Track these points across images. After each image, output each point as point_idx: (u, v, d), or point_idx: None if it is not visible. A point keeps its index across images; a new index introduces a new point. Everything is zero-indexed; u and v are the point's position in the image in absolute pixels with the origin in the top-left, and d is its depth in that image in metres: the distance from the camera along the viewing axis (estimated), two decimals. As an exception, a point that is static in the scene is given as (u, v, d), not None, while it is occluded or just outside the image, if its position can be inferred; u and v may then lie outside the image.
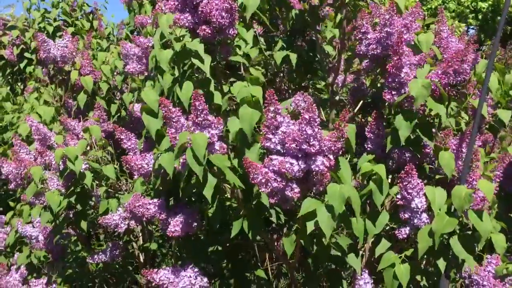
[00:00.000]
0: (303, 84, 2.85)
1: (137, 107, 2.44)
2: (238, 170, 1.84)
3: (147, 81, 2.45)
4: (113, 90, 2.97)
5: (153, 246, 2.83)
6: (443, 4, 11.49)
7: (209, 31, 1.78)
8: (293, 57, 2.30)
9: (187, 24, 1.80)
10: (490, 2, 11.28)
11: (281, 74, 2.84)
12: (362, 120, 2.54)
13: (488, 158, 2.19)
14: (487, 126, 2.23)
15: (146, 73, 2.57)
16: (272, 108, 1.60)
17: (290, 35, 2.54)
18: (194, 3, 1.78)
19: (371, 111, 2.51)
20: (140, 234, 2.97)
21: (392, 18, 1.88)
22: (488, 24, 11.44)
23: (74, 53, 2.89)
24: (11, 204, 3.28)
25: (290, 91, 2.86)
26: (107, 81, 2.89)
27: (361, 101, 2.33)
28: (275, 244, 2.36)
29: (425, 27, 2.21)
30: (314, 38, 2.54)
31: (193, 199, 2.13)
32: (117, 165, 2.52)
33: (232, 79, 2.16)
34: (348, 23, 2.25)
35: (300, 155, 1.62)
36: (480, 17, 11.48)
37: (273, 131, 1.63)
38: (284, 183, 1.62)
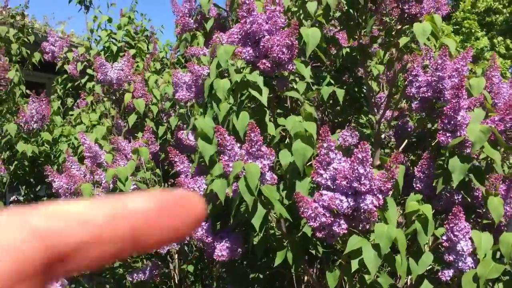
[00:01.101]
0: (348, 118, 2.88)
1: (190, 133, 2.52)
2: (286, 202, 1.89)
3: (195, 107, 2.54)
4: (161, 113, 3.08)
5: (190, 268, 2.87)
6: (492, 47, 11.39)
7: (269, 65, 1.85)
8: (340, 93, 2.35)
9: (248, 58, 1.88)
10: None
11: (325, 108, 2.89)
12: (406, 159, 2.56)
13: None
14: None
15: (193, 100, 2.66)
16: (325, 145, 1.65)
17: (338, 71, 2.60)
18: (256, 38, 1.86)
19: (414, 150, 2.54)
20: (176, 255, 3.03)
21: (444, 62, 1.91)
22: None
23: (129, 76, 3.01)
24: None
25: (332, 124, 2.90)
26: (157, 104, 3.00)
27: (406, 140, 2.35)
28: (313, 275, 2.38)
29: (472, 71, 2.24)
30: (360, 74, 2.59)
31: (238, 225, 2.18)
32: (162, 187, 2.60)
33: (278, 111, 2.22)
34: (398, 62, 2.30)
35: (350, 193, 1.65)
36: None
37: (325, 167, 1.68)
38: (332, 219, 1.65)
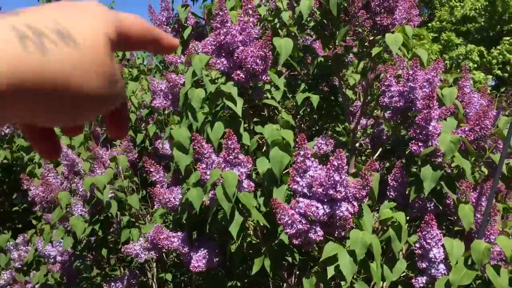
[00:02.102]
0: (324, 127, 2.92)
1: (166, 143, 2.52)
2: (263, 209, 1.90)
3: (172, 116, 2.54)
4: (139, 120, 3.07)
5: (168, 276, 2.87)
6: (466, 54, 11.61)
7: (243, 76, 1.87)
8: (315, 98, 2.37)
9: (222, 68, 1.90)
10: None
11: (302, 116, 2.92)
12: (380, 166, 2.61)
13: (502, 206, 2.23)
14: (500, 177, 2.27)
15: (171, 108, 2.66)
16: (302, 153, 1.67)
17: (314, 79, 2.64)
18: (230, 49, 1.88)
19: (390, 158, 2.58)
20: (155, 264, 3.02)
21: (416, 73, 1.96)
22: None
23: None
24: (34, 222, 3.34)
25: (309, 132, 2.93)
26: (135, 112, 2.99)
27: (380, 148, 2.40)
28: (291, 283, 2.40)
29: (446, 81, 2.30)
30: (336, 83, 2.63)
31: (214, 234, 2.18)
32: (140, 194, 2.60)
33: (255, 119, 2.24)
34: (371, 72, 2.34)
35: (325, 200, 1.68)
36: (508, 68, 11.55)
37: (301, 174, 1.70)
38: (308, 226, 1.68)
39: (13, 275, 3.04)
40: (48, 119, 0.26)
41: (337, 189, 1.64)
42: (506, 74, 11.61)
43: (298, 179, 1.70)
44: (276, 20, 2.31)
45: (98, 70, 0.27)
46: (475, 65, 11.40)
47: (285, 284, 2.53)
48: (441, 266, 1.86)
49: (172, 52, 0.43)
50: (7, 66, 0.23)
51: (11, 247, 3.10)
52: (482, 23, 12.51)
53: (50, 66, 0.24)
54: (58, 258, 2.77)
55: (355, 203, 1.70)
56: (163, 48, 0.36)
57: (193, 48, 2.30)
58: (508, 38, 11.76)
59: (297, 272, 2.58)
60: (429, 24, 12.70)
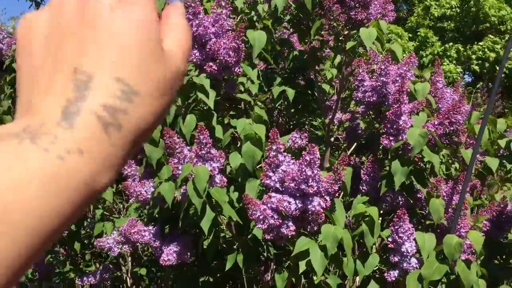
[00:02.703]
0: (300, 121, 2.92)
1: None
2: (236, 204, 1.89)
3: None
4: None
5: (142, 271, 2.84)
6: (444, 52, 11.74)
7: (216, 68, 1.85)
8: (290, 92, 2.36)
9: (195, 60, 1.87)
10: (497, 55, 11.52)
11: (279, 110, 2.91)
12: (356, 160, 2.61)
13: (475, 203, 2.26)
14: (475, 173, 2.30)
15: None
16: (274, 147, 1.66)
17: (290, 73, 2.63)
18: (203, 40, 1.85)
19: (365, 152, 2.59)
20: (130, 258, 2.98)
21: (388, 68, 1.96)
22: (492, 74, 11.69)
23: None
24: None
25: (287, 127, 2.93)
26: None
27: (356, 142, 2.40)
28: (264, 278, 2.39)
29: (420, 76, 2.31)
30: (313, 77, 2.63)
31: (187, 229, 2.16)
32: (114, 188, 2.56)
33: (231, 112, 2.22)
34: (347, 66, 2.34)
35: (298, 195, 1.67)
36: (486, 65, 11.71)
37: (274, 169, 1.69)
38: (280, 221, 1.67)
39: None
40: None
41: (309, 184, 1.64)
42: (485, 71, 11.79)
43: (271, 174, 1.69)
44: (253, 13, 2.29)
45: (157, 99, 0.28)
46: (453, 63, 11.54)
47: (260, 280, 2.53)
48: (413, 260, 1.87)
49: None
50: (102, 157, 0.25)
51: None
52: (458, 22, 12.68)
53: (129, 132, 0.26)
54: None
55: (327, 198, 1.70)
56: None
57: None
58: (491, 36, 11.93)
59: (274, 267, 2.58)
60: (408, 20, 12.80)
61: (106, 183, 0.25)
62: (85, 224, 2.59)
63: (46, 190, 0.23)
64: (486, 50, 11.66)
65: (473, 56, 11.79)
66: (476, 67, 11.76)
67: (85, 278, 2.58)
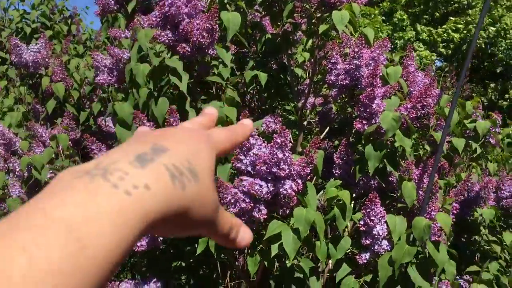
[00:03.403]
0: (273, 105, 2.90)
1: (108, 120, 2.43)
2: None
3: (118, 94, 2.45)
4: (83, 98, 2.95)
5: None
6: (416, 36, 11.86)
7: (189, 49, 1.81)
8: (263, 76, 2.34)
9: (167, 41, 1.83)
10: (461, 35, 11.70)
11: (251, 94, 2.89)
12: (329, 144, 2.62)
13: (443, 182, 2.29)
14: (443, 155, 2.33)
15: (116, 85, 2.57)
16: (245, 130, 1.64)
17: (263, 56, 2.60)
18: (176, 21, 1.81)
19: (338, 136, 2.59)
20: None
21: (361, 51, 1.96)
22: (458, 56, 11.88)
23: (47, 59, 2.86)
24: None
25: (260, 111, 2.91)
26: (78, 89, 2.87)
27: (328, 126, 2.40)
28: (237, 262, 2.39)
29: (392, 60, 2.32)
30: (285, 61, 2.61)
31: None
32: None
33: (203, 97, 2.19)
34: (319, 50, 2.33)
35: (269, 178, 1.66)
36: (451, 46, 11.88)
37: (245, 153, 1.67)
38: (252, 204, 1.65)
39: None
40: (166, 233, 0.33)
41: (281, 167, 1.62)
42: (450, 51, 11.96)
43: (242, 157, 1.67)
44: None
45: (209, 199, 0.33)
46: (426, 46, 11.68)
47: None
48: (384, 242, 1.88)
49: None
50: (165, 199, 0.28)
51: None
52: (427, 5, 12.82)
53: (185, 199, 0.30)
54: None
55: (299, 181, 1.69)
56: (246, 136, 0.44)
57: (138, 22, 2.21)
58: (453, 18, 12.11)
59: (248, 251, 2.57)
60: (380, 5, 12.86)
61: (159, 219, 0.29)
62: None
63: (115, 225, 0.25)
64: (449, 31, 11.84)
65: (439, 39, 11.95)
66: (443, 50, 11.93)
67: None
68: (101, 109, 2.77)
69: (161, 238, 1.95)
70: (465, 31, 11.61)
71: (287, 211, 1.72)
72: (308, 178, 1.80)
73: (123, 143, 0.32)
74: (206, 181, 0.32)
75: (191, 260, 2.30)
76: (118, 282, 1.92)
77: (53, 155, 2.40)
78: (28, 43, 2.95)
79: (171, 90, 2.02)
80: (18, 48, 2.75)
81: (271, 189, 1.65)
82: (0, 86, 3.20)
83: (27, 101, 2.94)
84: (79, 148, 2.78)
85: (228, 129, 0.42)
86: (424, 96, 1.88)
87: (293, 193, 1.66)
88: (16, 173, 2.37)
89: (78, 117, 2.85)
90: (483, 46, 11.65)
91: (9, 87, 3.19)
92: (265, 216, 1.67)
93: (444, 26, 11.96)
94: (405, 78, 2.15)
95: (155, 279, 1.95)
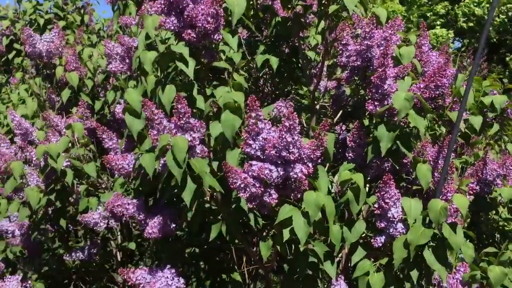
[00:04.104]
0: (285, 90, 2.87)
1: (119, 107, 2.44)
2: (218, 174, 1.86)
3: (130, 81, 2.45)
4: (97, 87, 2.97)
5: (132, 245, 2.83)
6: (432, 10, 11.59)
7: (194, 36, 1.80)
8: (274, 61, 2.31)
9: (172, 28, 1.81)
10: (484, 10, 11.35)
11: (264, 79, 2.86)
12: (343, 128, 2.58)
13: (460, 161, 2.23)
14: (460, 135, 2.27)
15: (128, 73, 2.57)
16: (253, 115, 1.62)
17: (274, 40, 2.57)
18: (180, 7, 1.79)
19: (351, 119, 2.55)
20: (119, 233, 2.97)
21: (372, 31, 1.91)
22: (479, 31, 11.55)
23: (60, 49, 2.88)
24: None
25: (273, 96, 2.88)
26: (92, 78, 2.89)
27: (342, 110, 2.36)
28: (252, 247, 2.38)
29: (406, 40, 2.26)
30: (297, 44, 2.57)
31: (173, 200, 2.14)
32: (98, 162, 2.52)
33: (215, 83, 2.17)
34: (330, 32, 2.28)
35: (279, 162, 1.64)
36: (473, 20, 11.56)
37: (254, 137, 1.65)
38: (262, 189, 1.64)
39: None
40: None
41: (290, 151, 1.60)
42: (471, 24, 11.64)
43: (251, 142, 1.66)
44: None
45: None
46: (441, 20, 11.39)
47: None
48: (399, 225, 1.85)
49: None
50: None
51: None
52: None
53: None
54: (17, 232, 2.70)
55: (310, 164, 1.67)
56: None
57: (145, 9, 2.20)
58: None
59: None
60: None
61: None
62: (71, 200, 2.56)
63: None
64: (471, 5, 11.52)
65: (459, 13, 11.63)
66: (464, 24, 11.61)
67: (73, 254, 2.57)
68: (115, 98, 2.79)
69: (174, 225, 1.96)
70: (487, 5, 11.26)
71: (299, 195, 1.70)
72: (320, 161, 1.78)
73: None
74: None
75: (205, 247, 2.30)
76: (133, 269, 1.93)
77: (69, 144, 2.42)
78: (42, 34, 2.98)
79: (180, 77, 2.01)
80: (31, 38, 2.78)
81: (281, 173, 1.63)
82: (16, 77, 3.24)
83: (43, 91, 2.97)
84: (94, 136, 2.80)
85: None
86: (437, 75, 1.83)
87: (304, 177, 1.64)
88: (33, 162, 2.40)
89: (93, 106, 2.87)
90: (506, 21, 11.31)
91: (25, 79, 3.23)
92: (276, 201, 1.66)
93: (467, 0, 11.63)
94: (419, 58, 2.10)
95: (169, 266, 1.96)
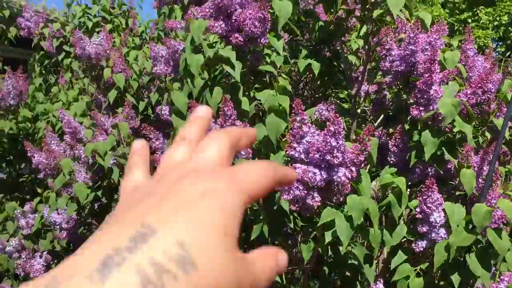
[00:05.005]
0: (326, 93, 2.89)
1: (165, 108, 2.51)
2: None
3: (174, 83, 2.52)
4: (142, 88, 3.06)
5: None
6: (474, 16, 11.37)
7: (241, 39, 1.84)
8: (316, 66, 2.33)
9: (220, 32, 1.86)
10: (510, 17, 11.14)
11: (304, 83, 2.89)
12: (383, 132, 2.58)
13: (506, 169, 2.20)
14: (504, 142, 2.24)
15: (172, 75, 2.64)
16: (298, 118, 1.65)
17: (316, 44, 2.59)
18: (228, 11, 1.84)
19: (392, 123, 2.55)
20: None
21: (417, 36, 1.91)
22: (508, 37, 11.30)
23: (107, 51, 2.98)
24: (39, 190, 3.39)
25: (313, 99, 2.90)
26: (137, 80, 2.98)
27: (383, 114, 2.36)
28: (291, 249, 2.41)
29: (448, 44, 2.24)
30: (339, 48, 2.59)
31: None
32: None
33: (256, 85, 2.22)
34: (373, 36, 2.29)
35: (323, 165, 1.66)
36: (502, 29, 11.32)
37: (298, 140, 1.68)
38: (305, 192, 1.67)
39: (21, 242, 3.09)
40: None
41: (334, 155, 1.63)
42: (500, 34, 11.36)
43: (295, 145, 1.69)
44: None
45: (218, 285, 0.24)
46: (484, 25, 11.16)
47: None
48: (442, 230, 1.85)
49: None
50: None
51: (19, 215, 3.14)
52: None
53: None
54: (64, 225, 2.81)
55: (353, 169, 1.69)
56: (289, 181, 0.35)
57: (192, 13, 2.26)
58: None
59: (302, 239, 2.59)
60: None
61: None
62: (116, 197, 2.65)
63: None
64: (501, 14, 11.25)
65: (488, 23, 11.39)
66: (491, 32, 11.36)
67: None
68: (159, 99, 2.87)
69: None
70: None
71: (341, 199, 1.73)
72: (362, 166, 1.79)
73: (105, 224, 0.26)
74: (211, 264, 0.24)
75: (245, 246, 2.34)
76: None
77: (115, 143, 2.51)
78: (90, 36, 3.09)
79: (224, 80, 2.06)
80: (81, 41, 2.89)
81: (325, 176, 1.65)
82: (65, 78, 3.37)
83: (90, 92, 3.08)
84: (138, 135, 2.89)
85: (261, 165, 0.31)
86: (484, 81, 1.81)
87: (347, 181, 1.66)
88: (81, 159, 2.50)
89: (137, 106, 2.96)
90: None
91: (72, 79, 3.35)
92: (319, 203, 1.68)
93: (493, 7, 11.39)
94: (463, 63, 2.08)
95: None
